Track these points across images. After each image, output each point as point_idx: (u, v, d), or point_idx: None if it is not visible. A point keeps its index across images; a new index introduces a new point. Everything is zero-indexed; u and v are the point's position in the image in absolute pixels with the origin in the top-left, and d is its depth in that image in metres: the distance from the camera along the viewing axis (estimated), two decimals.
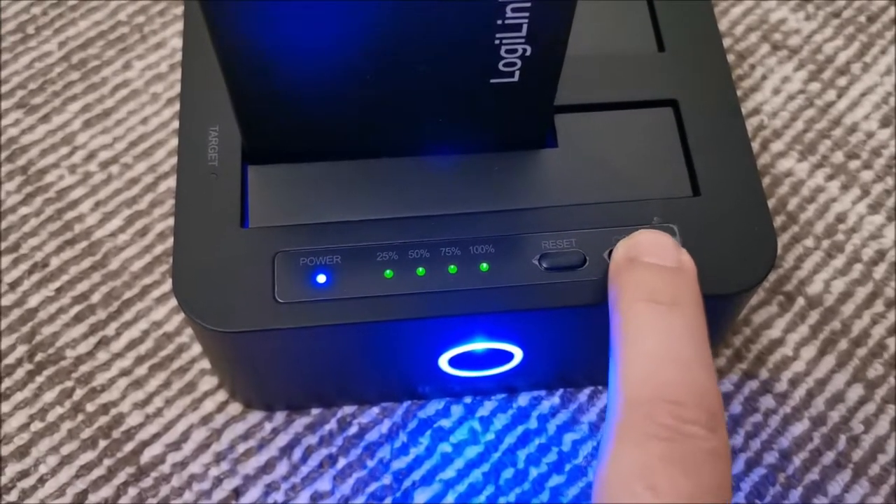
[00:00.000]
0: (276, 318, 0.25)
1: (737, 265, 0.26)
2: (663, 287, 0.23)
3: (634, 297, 0.23)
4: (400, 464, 0.31)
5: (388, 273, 0.25)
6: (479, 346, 0.27)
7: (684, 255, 0.24)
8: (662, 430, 0.20)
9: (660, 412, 0.21)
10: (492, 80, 0.25)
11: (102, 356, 0.32)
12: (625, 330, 0.23)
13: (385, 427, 0.31)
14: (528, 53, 0.24)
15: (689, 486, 0.20)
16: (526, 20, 0.23)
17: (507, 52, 0.24)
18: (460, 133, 0.27)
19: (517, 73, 0.25)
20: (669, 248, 0.24)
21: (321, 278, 0.25)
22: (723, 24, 0.39)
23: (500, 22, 0.23)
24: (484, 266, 0.26)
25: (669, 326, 0.22)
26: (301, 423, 0.31)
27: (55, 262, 0.34)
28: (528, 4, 0.22)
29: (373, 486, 0.30)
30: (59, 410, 0.31)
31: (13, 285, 0.33)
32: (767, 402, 0.32)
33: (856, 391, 0.32)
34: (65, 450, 0.31)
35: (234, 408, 0.31)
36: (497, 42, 0.23)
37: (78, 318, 0.33)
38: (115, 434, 0.31)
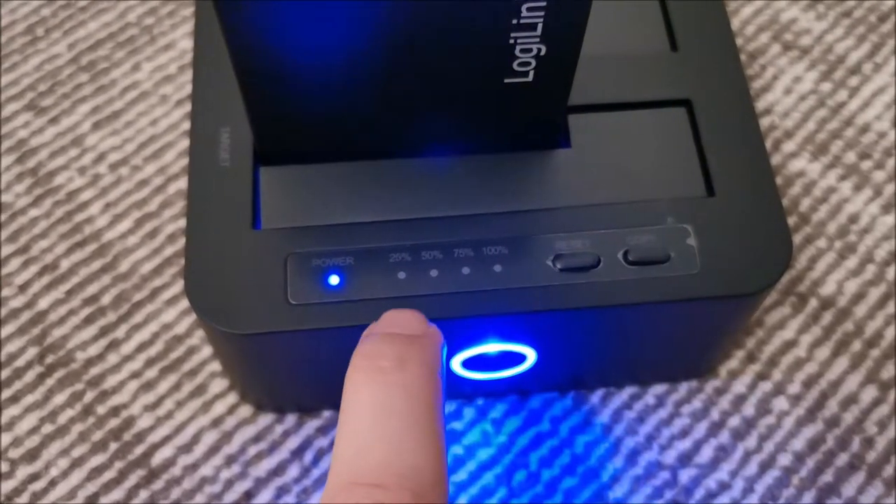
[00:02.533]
0: (289, 319, 0.25)
1: (751, 266, 0.26)
2: (390, 350, 0.21)
3: (355, 366, 0.21)
4: None
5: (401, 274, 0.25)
6: (492, 347, 0.27)
7: (432, 328, 0.23)
8: None
9: (358, 495, 0.19)
10: (506, 80, 0.25)
11: (113, 359, 0.32)
12: (343, 406, 0.21)
13: None
14: (542, 53, 0.24)
15: None
16: (541, 20, 0.23)
17: (522, 51, 0.24)
18: (473, 133, 0.27)
19: (531, 73, 0.25)
20: (415, 320, 0.23)
21: (334, 280, 0.25)
22: (734, 24, 0.39)
23: (515, 21, 0.23)
24: (497, 267, 0.25)
25: (387, 397, 0.21)
26: (312, 425, 0.31)
27: (65, 265, 0.33)
28: (544, 4, 0.22)
29: None
30: (69, 413, 0.31)
31: (23, 287, 0.33)
32: (781, 403, 0.32)
33: (869, 392, 0.32)
34: (75, 452, 0.31)
35: (245, 410, 0.31)
36: (512, 41, 0.23)
37: (88, 321, 0.33)
38: (126, 437, 0.31)
